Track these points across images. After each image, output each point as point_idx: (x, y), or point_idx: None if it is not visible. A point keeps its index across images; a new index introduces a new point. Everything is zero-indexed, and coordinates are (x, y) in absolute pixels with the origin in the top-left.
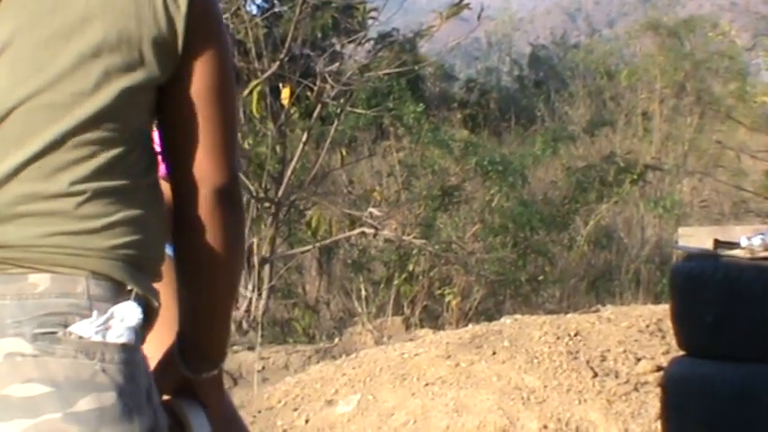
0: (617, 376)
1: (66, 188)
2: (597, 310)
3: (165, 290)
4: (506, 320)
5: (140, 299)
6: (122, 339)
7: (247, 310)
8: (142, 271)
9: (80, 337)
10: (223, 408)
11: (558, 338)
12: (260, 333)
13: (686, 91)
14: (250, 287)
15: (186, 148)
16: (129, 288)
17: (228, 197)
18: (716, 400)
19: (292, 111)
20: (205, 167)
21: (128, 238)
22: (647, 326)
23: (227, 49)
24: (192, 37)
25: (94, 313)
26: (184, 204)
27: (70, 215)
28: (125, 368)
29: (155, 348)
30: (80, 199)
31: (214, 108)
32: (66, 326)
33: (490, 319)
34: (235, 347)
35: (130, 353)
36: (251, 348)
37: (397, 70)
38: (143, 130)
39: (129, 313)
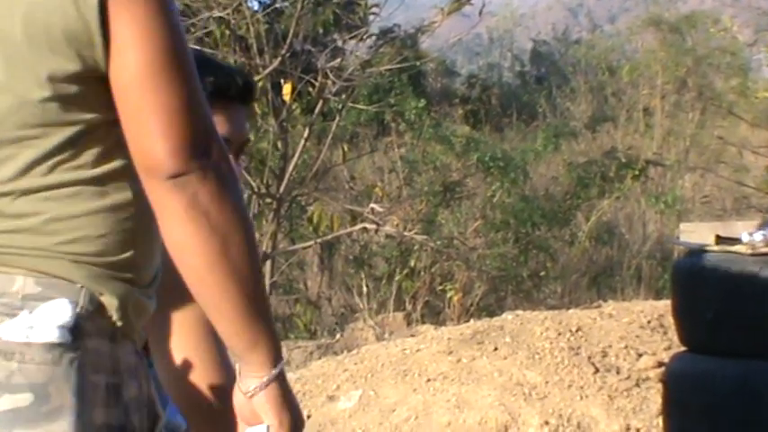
0: (618, 372)
1: None
2: (599, 306)
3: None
4: (508, 316)
5: (92, 296)
6: (48, 338)
7: None
8: (96, 267)
9: None
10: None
11: (559, 334)
12: None
13: (688, 87)
14: None
15: (131, 140)
16: (79, 285)
17: (181, 185)
18: (717, 395)
19: (294, 107)
20: (149, 157)
21: (70, 235)
22: (649, 321)
23: (165, 27)
24: (111, 23)
25: (23, 313)
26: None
27: (3, 214)
28: (48, 368)
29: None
30: (10, 198)
31: (149, 95)
32: None
33: (492, 314)
34: None
35: (59, 351)
36: None
37: (399, 66)
38: (85, 124)
39: (59, 311)
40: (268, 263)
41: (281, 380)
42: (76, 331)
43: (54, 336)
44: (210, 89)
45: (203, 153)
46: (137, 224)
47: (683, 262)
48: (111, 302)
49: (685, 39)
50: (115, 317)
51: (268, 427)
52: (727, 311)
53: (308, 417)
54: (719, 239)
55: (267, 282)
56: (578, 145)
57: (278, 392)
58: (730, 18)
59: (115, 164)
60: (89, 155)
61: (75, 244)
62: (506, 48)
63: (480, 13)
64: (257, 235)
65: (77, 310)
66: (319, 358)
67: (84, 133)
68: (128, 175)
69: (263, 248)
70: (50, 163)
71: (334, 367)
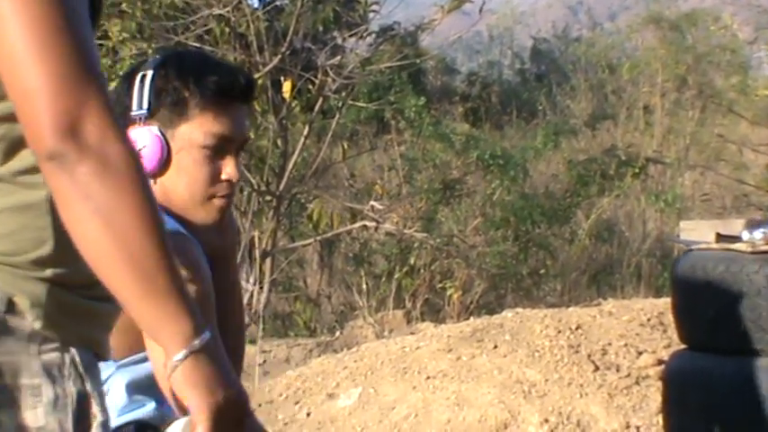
0: (618, 370)
1: None
2: (598, 304)
3: None
4: (508, 314)
5: (3, 297)
6: None
7: (249, 304)
8: (6, 266)
9: None
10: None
11: (559, 332)
12: (261, 326)
13: (688, 84)
14: (251, 280)
15: (20, 122)
16: None
17: (59, 166)
18: (717, 393)
19: (294, 104)
20: (29, 138)
21: None
22: (649, 319)
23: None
24: None
25: None
26: None
27: None
28: None
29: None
30: None
31: (21, 71)
32: None
33: (491, 312)
34: None
35: None
36: (252, 342)
37: (399, 64)
38: None
39: None
40: (268, 260)
41: (200, 358)
42: None
43: None
44: (213, 88)
45: (76, 132)
46: (56, 221)
47: (683, 260)
48: (23, 302)
49: (685, 36)
50: (30, 317)
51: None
52: (727, 309)
53: (308, 414)
54: (719, 237)
55: (267, 279)
56: (578, 143)
57: (194, 371)
58: (730, 16)
59: (26, 159)
60: None
61: None
62: (506, 45)
63: (480, 10)
64: (257, 233)
65: None
66: (319, 356)
67: None
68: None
69: (263, 246)
70: None
71: (333, 365)
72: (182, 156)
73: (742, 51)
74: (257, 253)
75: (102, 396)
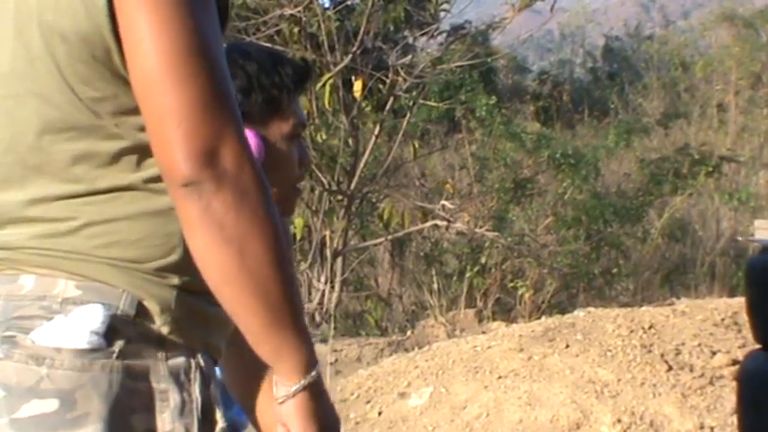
0: (692, 370)
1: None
2: (671, 304)
3: None
4: (579, 313)
5: (133, 301)
6: (78, 344)
7: (320, 303)
8: (137, 272)
9: (33, 342)
10: None
11: (631, 332)
12: (332, 325)
13: (762, 82)
14: (323, 279)
15: (151, 144)
16: (120, 290)
17: (194, 194)
18: None
19: (364, 103)
20: (163, 163)
21: (105, 239)
22: (723, 319)
23: (177, 20)
24: (120, 21)
25: (58, 317)
26: None
27: (45, 218)
28: (76, 374)
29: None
30: (50, 202)
31: (159, 96)
32: (29, 330)
33: (563, 312)
34: None
35: (89, 357)
36: (324, 341)
37: (470, 62)
38: (104, 124)
39: (92, 316)
40: (339, 260)
41: (312, 390)
42: (111, 336)
43: (84, 341)
44: (295, 79)
45: (215, 160)
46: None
47: (758, 259)
48: (153, 307)
49: (759, 34)
50: (159, 322)
51: None
52: None
53: (379, 413)
54: None
55: (338, 278)
56: (651, 141)
57: (306, 403)
58: None
59: (155, 166)
60: (129, 159)
61: (111, 248)
62: (578, 44)
63: (552, 9)
64: (328, 232)
65: (118, 314)
66: (390, 355)
67: (119, 134)
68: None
69: (335, 245)
70: (88, 167)
71: (405, 364)
72: (275, 150)
73: None
74: (328, 252)
75: (220, 402)
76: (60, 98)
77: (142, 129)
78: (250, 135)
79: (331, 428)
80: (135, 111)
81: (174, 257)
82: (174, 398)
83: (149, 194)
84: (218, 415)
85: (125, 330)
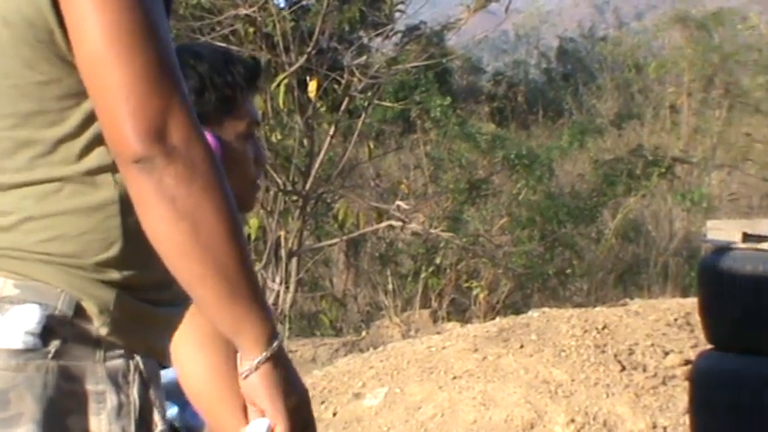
0: (645, 370)
1: None
2: (625, 304)
3: None
4: (534, 314)
5: (71, 301)
6: (12, 344)
7: (275, 303)
8: (75, 269)
9: None
10: (289, 412)
11: (585, 332)
12: (287, 326)
13: (714, 84)
14: (278, 280)
15: (101, 124)
16: (59, 290)
17: (146, 169)
18: (744, 393)
19: (320, 104)
20: (112, 140)
21: (45, 234)
22: (675, 319)
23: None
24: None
25: None
26: None
27: None
28: (11, 374)
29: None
30: None
31: (105, 73)
32: None
33: (517, 312)
34: None
35: (24, 358)
36: None
37: (425, 63)
38: (55, 112)
39: (27, 317)
40: (294, 260)
41: (276, 360)
42: (47, 337)
43: (18, 341)
44: (247, 76)
45: (164, 135)
46: (125, 222)
47: (710, 259)
48: (91, 308)
49: (712, 36)
50: (97, 323)
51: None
52: (754, 309)
53: (334, 414)
54: (746, 237)
55: (293, 279)
56: (604, 142)
57: (271, 373)
58: (758, 15)
59: (99, 158)
60: (70, 148)
61: (51, 243)
62: (533, 45)
63: (506, 9)
64: (283, 232)
65: (55, 314)
66: (345, 355)
67: (67, 124)
68: (117, 167)
69: (290, 246)
70: (28, 157)
71: (359, 365)
72: (230, 149)
73: None
74: (283, 253)
75: (163, 405)
76: (4, 83)
77: (86, 116)
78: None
79: (298, 397)
80: (80, 95)
81: (113, 252)
82: (111, 399)
83: (89, 188)
84: (158, 417)
85: (62, 331)
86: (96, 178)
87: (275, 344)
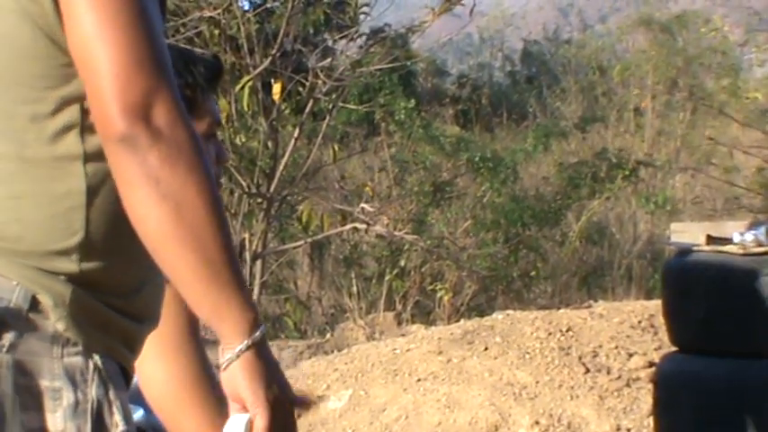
0: (609, 372)
1: None
2: (589, 306)
3: None
4: (498, 316)
5: (27, 295)
6: None
7: None
8: (36, 258)
9: None
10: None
11: (549, 334)
12: None
13: (678, 86)
14: None
15: (90, 104)
16: (15, 282)
17: (130, 148)
18: (708, 395)
19: (284, 106)
20: (98, 119)
21: (4, 216)
22: (639, 321)
23: None
24: None
25: None
26: None
27: None
28: None
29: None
30: None
31: (97, 52)
32: None
33: (482, 314)
34: None
35: None
36: None
37: (389, 66)
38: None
39: None
40: (258, 262)
41: (258, 350)
42: (1, 330)
43: None
44: (209, 77)
45: (149, 115)
46: (91, 215)
47: (674, 262)
48: (47, 301)
49: (676, 39)
50: (53, 317)
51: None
52: (717, 311)
53: (299, 416)
54: (710, 239)
55: (257, 281)
56: (569, 145)
57: (253, 363)
58: (721, 18)
59: (71, 146)
60: (44, 128)
61: (7, 226)
62: (497, 48)
63: (471, 12)
64: (247, 235)
65: (10, 306)
66: (309, 358)
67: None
68: (89, 158)
69: (254, 248)
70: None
71: (324, 367)
72: None
73: (732, 53)
74: (247, 255)
75: (126, 406)
76: None
77: (63, 100)
78: None
79: (281, 390)
80: (61, 79)
81: (74, 242)
82: (67, 397)
83: (58, 174)
84: (119, 418)
85: (16, 324)
86: (66, 166)
87: (258, 333)
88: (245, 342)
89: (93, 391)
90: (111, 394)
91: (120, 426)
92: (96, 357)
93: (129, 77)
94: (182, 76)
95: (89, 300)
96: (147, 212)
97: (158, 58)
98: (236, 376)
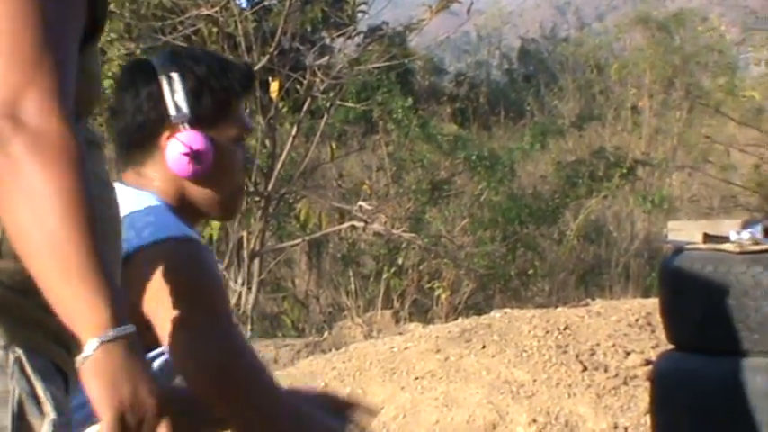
0: (606, 370)
1: None
2: (587, 304)
3: None
4: (496, 314)
5: None
6: None
7: (237, 304)
8: None
9: None
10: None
11: (547, 332)
12: (249, 327)
13: (675, 85)
14: (240, 281)
15: None
16: None
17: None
18: (704, 393)
19: (282, 104)
20: None
21: None
22: (637, 320)
23: None
24: None
25: None
26: None
27: None
28: None
29: None
30: None
31: None
32: None
33: (480, 312)
34: None
35: None
36: None
37: (387, 64)
38: None
39: None
40: (256, 261)
41: (109, 351)
42: None
43: None
44: (244, 83)
45: (15, 110)
46: None
47: (671, 260)
48: None
49: (673, 37)
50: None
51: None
52: (714, 310)
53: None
54: (707, 238)
55: (255, 279)
56: (566, 143)
57: (101, 365)
58: (718, 16)
59: None
60: None
61: None
62: (494, 46)
63: (468, 10)
64: (245, 233)
65: None
66: (307, 356)
67: None
68: None
69: (252, 246)
70: None
71: (322, 365)
72: (222, 153)
73: (729, 52)
74: (245, 253)
75: (61, 399)
76: None
77: None
78: (199, 137)
79: (135, 394)
80: None
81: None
82: None
83: None
84: (49, 408)
85: None
86: None
87: (111, 332)
88: (95, 341)
89: (14, 383)
90: (39, 388)
91: (52, 414)
92: (19, 351)
93: (2, 72)
94: (219, 80)
95: (13, 297)
96: (6, 208)
97: (41, 53)
98: (87, 379)
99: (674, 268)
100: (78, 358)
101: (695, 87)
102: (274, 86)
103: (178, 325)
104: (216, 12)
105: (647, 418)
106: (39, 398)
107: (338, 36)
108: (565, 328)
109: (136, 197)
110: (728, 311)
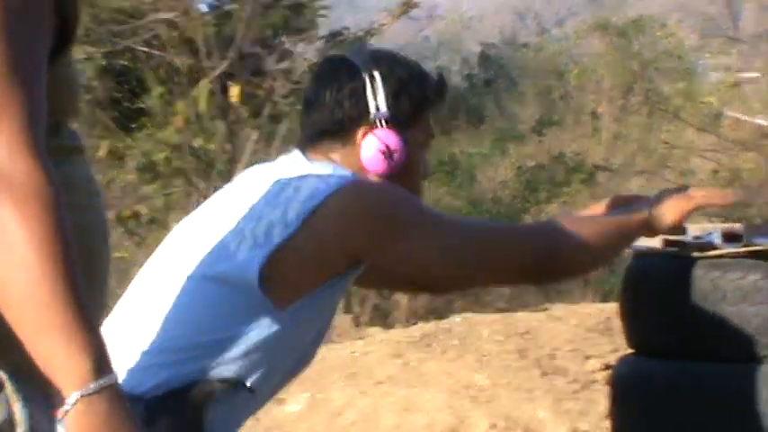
0: (566, 375)
1: None
2: (546, 309)
3: None
4: (456, 319)
5: None
6: None
7: None
8: None
9: None
10: None
11: (507, 337)
12: None
13: (634, 91)
14: None
15: None
16: None
17: None
18: (664, 398)
19: (242, 109)
20: None
21: None
22: (596, 324)
23: None
24: None
25: None
26: None
27: None
28: None
29: None
30: None
31: None
32: None
33: (440, 317)
34: None
35: None
36: None
37: None
38: None
39: None
40: None
41: (91, 405)
42: None
43: None
44: (440, 91)
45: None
46: None
47: (632, 265)
48: None
49: (632, 43)
50: None
51: None
52: (674, 314)
53: (257, 420)
54: (668, 243)
55: None
56: (526, 149)
57: (81, 422)
58: (676, 23)
59: None
60: None
61: None
62: (455, 51)
63: (429, 16)
64: None
65: None
66: None
67: None
68: None
69: None
70: None
71: None
72: (411, 156)
73: (688, 58)
74: None
75: (41, 424)
76: None
77: None
78: (395, 137)
79: None
80: None
81: None
82: None
83: None
84: (20, 417)
85: None
86: None
87: (93, 384)
88: (76, 395)
89: None
90: (17, 411)
91: (23, 424)
92: (2, 374)
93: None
94: (419, 85)
95: None
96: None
97: (3, 90)
98: None
99: (634, 273)
100: (60, 411)
101: (654, 93)
102: (235, 91)
103: (434, 245)
104: (176, 16)
105: (607, 423)
106: (15, 422)
107: (299, 41)
108: (525, 333)
109: (321, 166)
110: (688, 316)
